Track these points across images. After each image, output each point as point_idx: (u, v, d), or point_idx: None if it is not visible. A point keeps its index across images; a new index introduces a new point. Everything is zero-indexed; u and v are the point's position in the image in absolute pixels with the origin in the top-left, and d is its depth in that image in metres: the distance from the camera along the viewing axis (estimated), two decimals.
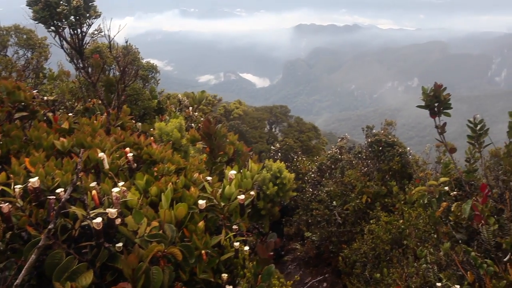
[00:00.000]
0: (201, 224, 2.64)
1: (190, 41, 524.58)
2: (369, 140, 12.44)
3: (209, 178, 3.12)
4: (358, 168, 12.69)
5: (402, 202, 9.67)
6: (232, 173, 3.16)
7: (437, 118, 5.20)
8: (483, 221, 4.25)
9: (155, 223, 2.51)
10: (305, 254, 12.59)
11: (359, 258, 9.52)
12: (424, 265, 5.19)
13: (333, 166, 14.83)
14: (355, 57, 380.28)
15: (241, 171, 3.44)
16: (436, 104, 5.15)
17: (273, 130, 29.05)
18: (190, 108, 7.66)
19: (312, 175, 15.30)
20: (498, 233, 4.15)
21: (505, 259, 3.83)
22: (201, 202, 2.76)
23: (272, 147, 20.11)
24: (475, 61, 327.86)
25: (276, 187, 3.75)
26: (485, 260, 3.68)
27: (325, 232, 11.74)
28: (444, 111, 5.17)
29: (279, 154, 18.96)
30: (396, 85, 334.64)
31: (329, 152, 16.58)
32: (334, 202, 12.07)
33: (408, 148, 12.24)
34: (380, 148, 11.99)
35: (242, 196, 2.90)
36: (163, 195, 2.61)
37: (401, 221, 9.15)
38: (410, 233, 8.58)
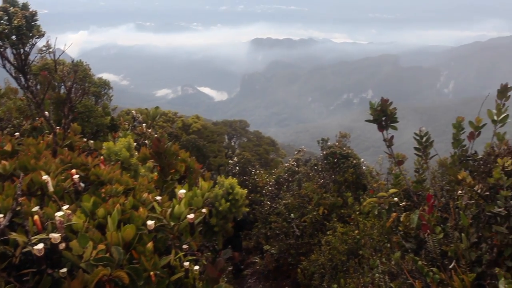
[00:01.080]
0: (150, 245, 2.61)
1: (146, 55, 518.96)
2: (324, 152, 12.67)
3: (158, 197, 3.09)
4: (315, 180, 12.87)
5: (357, 212, 9.86)
6: (181, 192, 3.15)
7: (385, 132, 5.37)
8: (429, 230, 4.40)
9: (101, 246, 2.46)
10: (264, 267, 12.59)
11: (317, 270, 9.62)
12: (377, 274, 5.31)
13: (290, 179, 14.98)
14: (311, 70, 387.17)
15: (192, 189, 3.43)
16: (383, 118, 5.31)
17: (233, 144, 29.10)
18: (144, 124, 7.57)
19: (270, 188, 15.40)
20: (444, 242, 4.30)
21: (450, 266, 3.97)
22: (150, 222, 2.73)
23: (230, 160, 20.10)
24: (425, 73, 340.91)
25: (228, 203, 3.75)
26: (431, 268, 3.81)
27: (284, 245, 11.81)
28: (391, 124, 5.34)
29: (237, 167, 18.97)
30: (351, 97, 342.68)
31: (286, 164, 16.76)
32: (292, 215, 12.18)
33: (362, 160, 12.55)
34: (335, 160, 12.22)
35: (191, 215, 2.89)
36: (109, 217, 2.56)
37: (356, 231, 9.33)
38: (365, 243, 8.75)
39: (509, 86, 4.83)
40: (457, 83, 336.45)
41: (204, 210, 3.42)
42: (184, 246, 2.92)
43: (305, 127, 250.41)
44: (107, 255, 2.43)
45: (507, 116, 4.73)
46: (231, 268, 11.88)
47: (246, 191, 3.96)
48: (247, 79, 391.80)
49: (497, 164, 3.58)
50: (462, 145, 5.14)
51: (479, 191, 3.76)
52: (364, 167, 12.36)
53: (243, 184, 18.05)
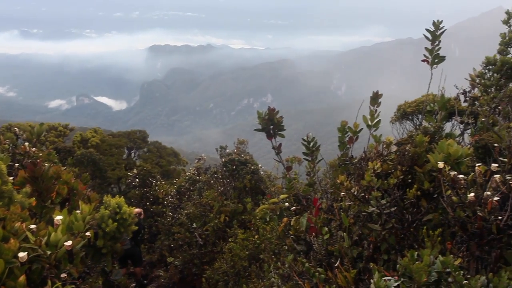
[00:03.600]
0: (22, 278, 2.45)
1: (36, 64, 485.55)
2: (223, 160, 12.79)
3: (33, 226, 2.92)
4: (215, 188, 12.95)
5: (257, 218, 10.09)
6: (58, 218, 3.00)
7: (273, 140, 5.56)
8: (317, 232, 4.65)
9: None
10: (169, 280, 12.37)
11: (221, 277, 9.67)
12: (272, 278, 5.48)
13: (191, 188, 14.92)
14: (211, 76, 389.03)
15: (72, 213, 3.28)
16: (271, 127, 5.50)
17: (132, 155, 28.24)
18: (27, 143, 7.07)
19: (172, 199, 15.21)
20: (330, 242, 4.55)
21: (335, 265, 4.22)
22: (22, 254, 2.57)
23: (129, 173, 19.48)
24: (319, 76, 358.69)
25: (116, 224, 3.65)
26: (318, 269, 4.02)
27: (188, 255, 11.72)
28: (279, 132, 5.55)
29: (137, 179, 18.46)
30: (251, 101, 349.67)
31: (187, 174, 16.64)
32: (194, 224, 12.14)
33: (260, 165, 12.86)
34: (234, 167, 12.40)
35: (69, 242, 2.77)
36: None
37: (256, 236, 9.54)
38: (265, 247, 8.99)
39: (380, 93, 5.27)
40: (349, 85, 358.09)
41: (88, 234, 3.29)
42: (63, 275, 2.79)
43: (207, 133, 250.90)
44: None
45: (379, 121, 5.15)
46: (133, 285, 11.51)
47: (135, 209, 3.88)
48: (147, 87, 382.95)
49: (368, 167, 3.88)
50: (347, 148, 5.50)
51: (355, 193, 4.05)
52: (262, 172, 12.68)
53: (144, 196, 17.61)
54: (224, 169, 12.80)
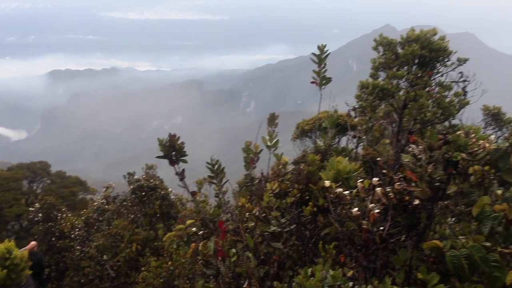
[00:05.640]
0: None
1: None
2: (132, 187, 12.47)
3: None
4: (125, 216, 12.55)
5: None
6: None
7: (176, 166, 5.55)
8: (224, 255, 4.69)
9: None
10: None
11: None
12: None
13: (100, 218, 14.31)
14: (118, 99, 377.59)
15: None
16: (173, 153, 5.49)
17: (34, 188, 26.48)
18: None
19: (79, 232, 14.46)
20: (238, 263, 4.61)
21: (244, 286, 4.29)
22: None
23: (31, 208, 18.22)
24: (228, 95, 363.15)
25: (5, 271, 3.43)
26: None
27: None
28: (182, 158, 5.56)
29: (40, 214, 17.29)
30: (162, 123, 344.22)
31: (95, 203, 15.93)
32: (104, 256, 11.66)
33: (170, 189, 12.70)
34: (143, 193, 12.13)
35: None
36: None
37: (170, 262, 9.37)
38: (180, 273, 8.86)
39: (276, 114, 5.49)
40: (257, 103, 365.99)
41: None
42: None
43: (118, 158, 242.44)
44: None
45: (277, 141, 5.36)
46: None
47: (27, 253, 3.68)
48: (48, 114, 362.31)
49: (266, 188, 4.03)
50: (253, 167, 5.63)
51: (257, 213, 4.17)
52: (173, 196, 12.53)
53: (49, 231, 16.52)
54: (133, 196, 12.48)
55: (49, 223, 16.82)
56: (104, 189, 16.73)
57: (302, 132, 7.40)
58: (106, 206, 14.84)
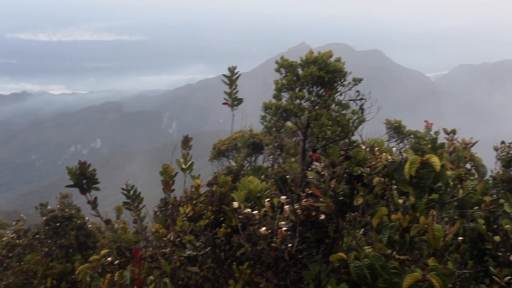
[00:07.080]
0: None
1: None
2: (45, 218, 11.76)
3: None
4: (39, 250, 11.79)
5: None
6: None
7: (88, 194, 5.36)
8: (141, 284, 4.56)
9: None
10: None
11: None
12: None
13: (9, 255, 13.31)
14: (30, 125, 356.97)
15: None
16: (84, 181, 5.30)
17: None
18: None
19: None
20: None
21: None
22: None
23: None
24: (149, 116, 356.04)
25: None
26: None
27: None
28: (93, 186, 5.37)
29: None
30: (79, 148, 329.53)
31: (4, 239, 14.82)
32: None
33: (87, 217, 12.13)
34: (58, 224, 11.49)
35: None
36: None
37: None
38: None
39: (190, 136, 5.49)
40: (179, 123, 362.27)
41: None
42: None
43: (32, 188, 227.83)
44: None
45: (192, 163, 5.35)
46: None
47: None
48: None
49: (179, 212, 3.99)
50: (171, 190, 5.55)
51: (171, 238, 4.11)
52: (90, 225, 11.97)
53: None
54: (47, 227, 11.75)
55: None
56: (14, 223, 15.64)
57: (219, 152, 7.44)
58: (17, 241, 13.85)
